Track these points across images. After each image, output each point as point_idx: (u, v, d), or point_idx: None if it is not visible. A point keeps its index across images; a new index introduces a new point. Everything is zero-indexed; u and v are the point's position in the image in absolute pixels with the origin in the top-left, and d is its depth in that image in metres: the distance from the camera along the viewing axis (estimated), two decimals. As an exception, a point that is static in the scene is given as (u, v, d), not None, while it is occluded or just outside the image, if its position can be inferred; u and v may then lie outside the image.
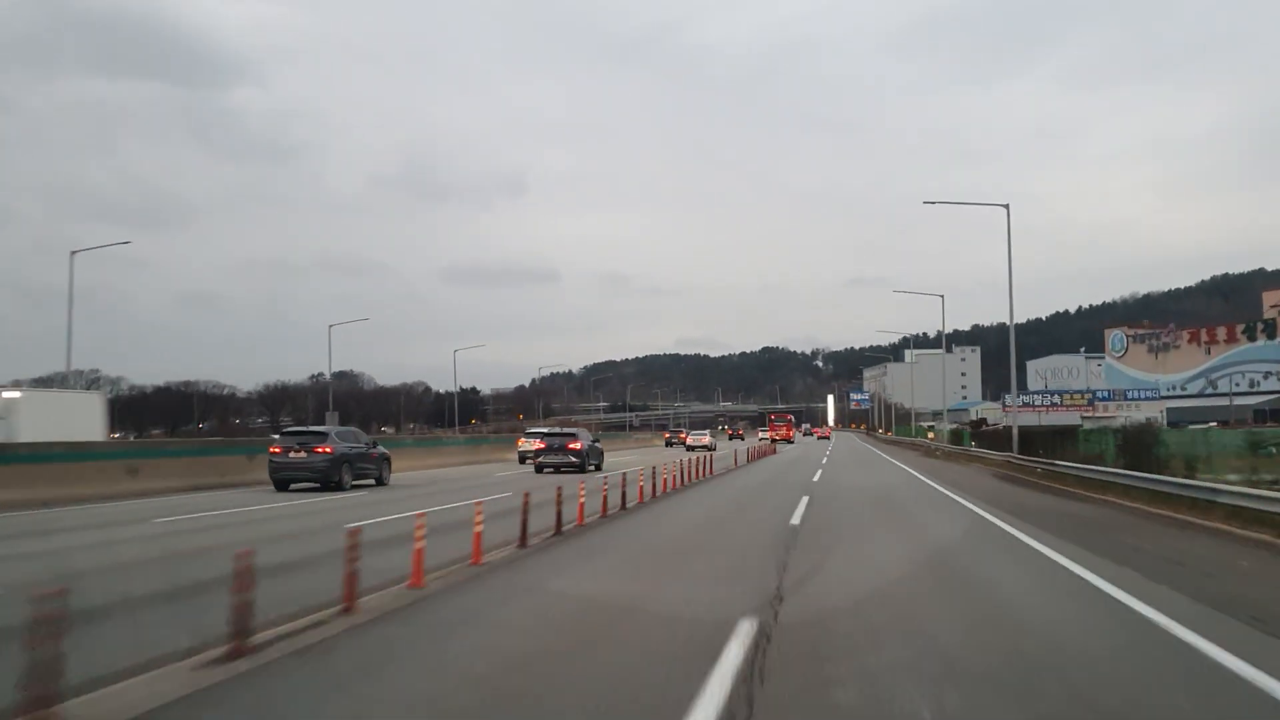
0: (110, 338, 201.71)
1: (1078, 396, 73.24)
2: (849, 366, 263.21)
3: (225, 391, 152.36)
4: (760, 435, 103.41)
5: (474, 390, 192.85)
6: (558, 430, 37.91)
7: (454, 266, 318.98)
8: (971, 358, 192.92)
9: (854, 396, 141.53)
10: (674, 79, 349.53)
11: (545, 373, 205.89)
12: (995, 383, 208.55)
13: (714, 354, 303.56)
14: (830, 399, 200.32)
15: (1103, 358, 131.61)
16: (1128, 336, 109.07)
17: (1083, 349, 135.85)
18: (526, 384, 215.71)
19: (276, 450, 23.94)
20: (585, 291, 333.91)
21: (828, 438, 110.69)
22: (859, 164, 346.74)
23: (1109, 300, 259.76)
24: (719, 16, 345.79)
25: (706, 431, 74.71)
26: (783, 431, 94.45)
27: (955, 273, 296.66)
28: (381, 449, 27.35)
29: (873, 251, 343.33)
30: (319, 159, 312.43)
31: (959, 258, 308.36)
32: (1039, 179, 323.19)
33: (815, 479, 26.54)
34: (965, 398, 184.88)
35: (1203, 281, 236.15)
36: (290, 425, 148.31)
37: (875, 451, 56.55)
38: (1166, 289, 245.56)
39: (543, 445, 33.31)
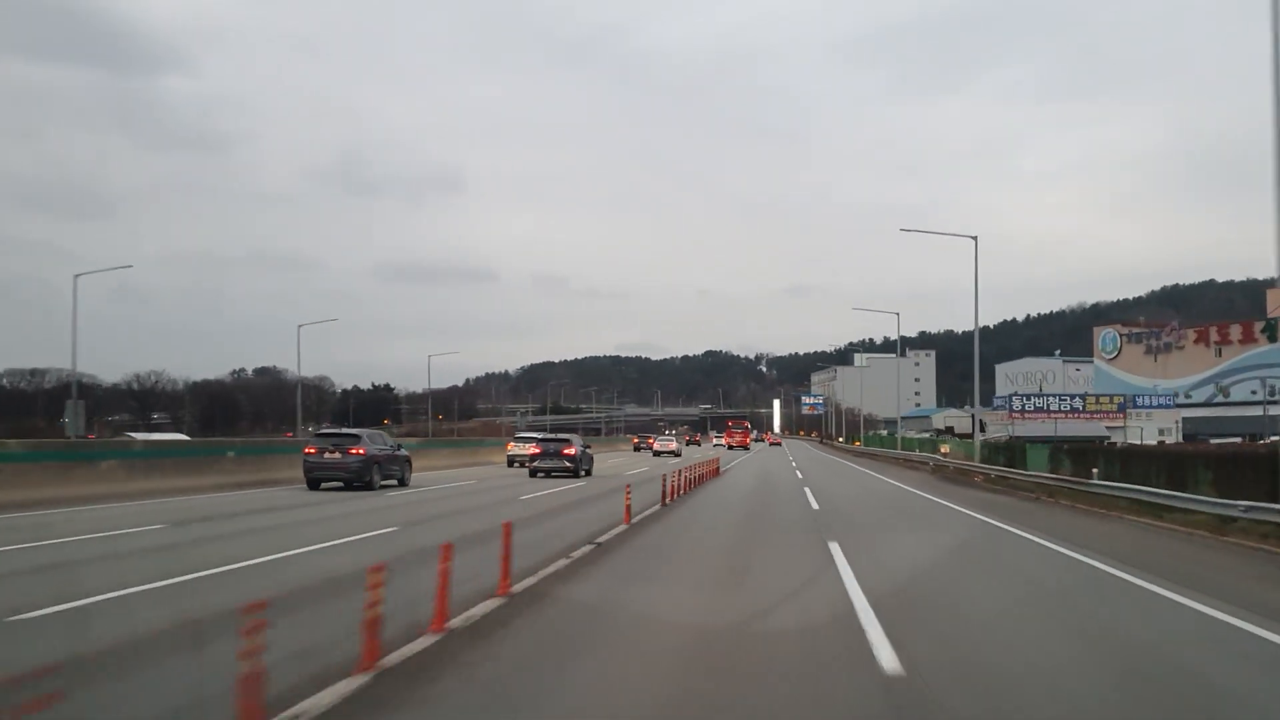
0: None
1: (1104, 400, 56.32)
2: (794, 372, 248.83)
3: (85, 380, 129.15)
4: (715, 441, 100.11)
5: (387, 388, 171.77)
6: (552, 436, 36.98)
7: (390, 263, 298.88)
8: (926, 363, 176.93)
9: (807, 400, 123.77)
10: (617, 82, 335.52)
11: (441, 360, 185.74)
12: (951, 389, 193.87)
13: (655, 357, 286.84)
14: (776, 404, 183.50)
15: (1083, 361, 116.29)
16: (1121, 336, 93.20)
17: (1058, 351, 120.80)
18: (460, 384, 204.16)
19: (311, 451, 24.23)
20: (524, 293, 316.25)
21: (779, 445, 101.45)
22: (801, 173, 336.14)
23: (1057, 309, 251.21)
24: (664, 22, 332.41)
25: (673, 438, 71.25)
26: (739, 438, 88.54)
27: (895, 282, 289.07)
28: (404, 451, 27.32)
29: (814, 260, 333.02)
30: (250, 150, 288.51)
31: (899, 268, 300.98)
32: (981, 191, 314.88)
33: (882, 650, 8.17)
34: (919, 404, 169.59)
35: (1153, 292, 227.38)
36: (165, 422, 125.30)
37: (871, 474, 38.54)
38: (1115, 299, 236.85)
39: (538, 450, 32.77)
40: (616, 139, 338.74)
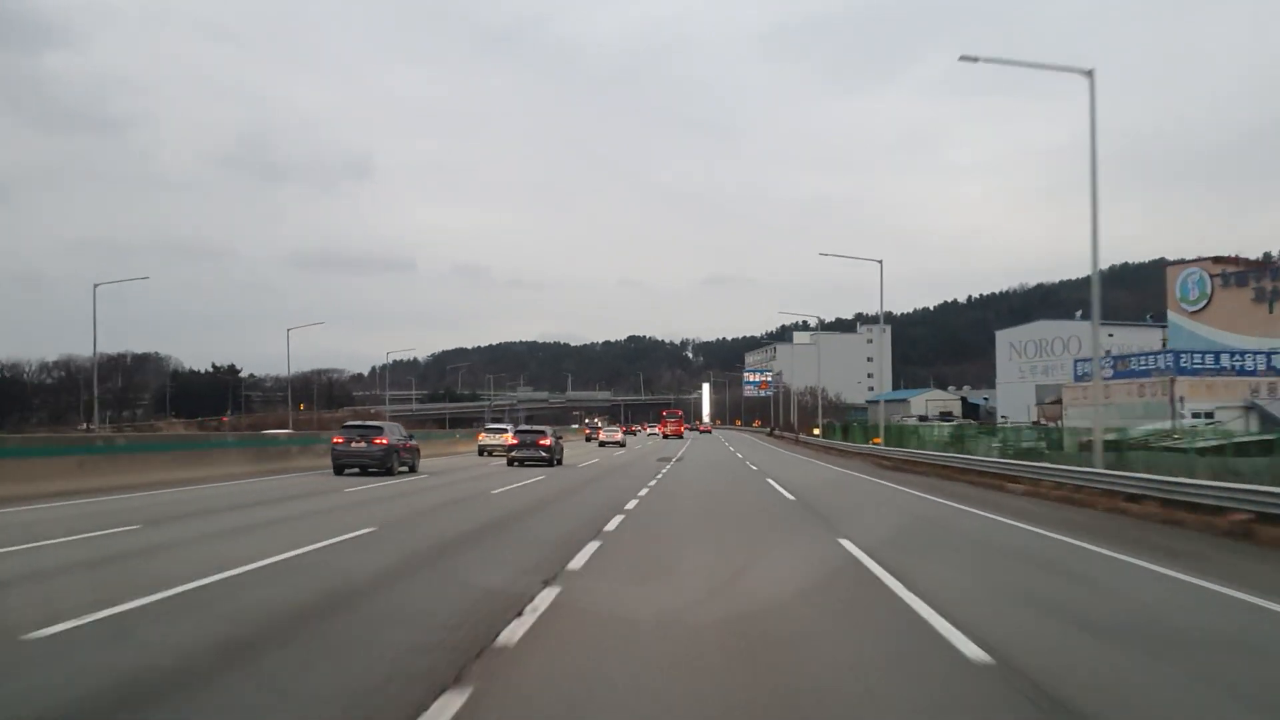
0: None
1: None
2: (723, 357, 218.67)
3: None
4: (649, 430, 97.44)
5: (231, 370, 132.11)
6: (529, 428, 36.30)
7: (303, 251, 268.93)
8: (881, 338, 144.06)
9: (751, 379, 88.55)
10: (541, 72, 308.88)
11: (387, 361, 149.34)
12: (902, 372, 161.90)
13: (575, 343, 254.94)
14: (706, 388, 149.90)
15: (1118, 325, 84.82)
16: (1212, 278, 61.16)
17: (1079, 313, 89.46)
18: (365, 372, 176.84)
19: (339, 440, 25.01)
20: (444, 282, 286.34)
21: (709, 432, 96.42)
22: (727, 164, 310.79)
23: (999, 290, 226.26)
24: (589, 12, 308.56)
25: (617, 429, 68.74)
26: (674, 427, 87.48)
27: (822, 273, 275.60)
28: (415, 441, 28.00)
29: (739, 251, 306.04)
30: (150, 134, 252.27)
31: (825, 261, 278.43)
32: (906, 183, 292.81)
33: None
34: (873, 388, 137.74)
35: (1100, 271, 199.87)
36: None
37: None
38: (1059, 280, 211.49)
39: (515, 441, 33.04)
40: (539, 129, 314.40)
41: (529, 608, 6.63)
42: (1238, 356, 49.42)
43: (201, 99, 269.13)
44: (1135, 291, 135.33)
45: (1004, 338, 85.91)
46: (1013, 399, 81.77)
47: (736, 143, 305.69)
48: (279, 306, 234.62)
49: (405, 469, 25.67)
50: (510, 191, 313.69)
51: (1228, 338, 58.63)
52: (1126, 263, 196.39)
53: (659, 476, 25.04)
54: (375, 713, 4.31)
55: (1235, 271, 60.94)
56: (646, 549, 10.48)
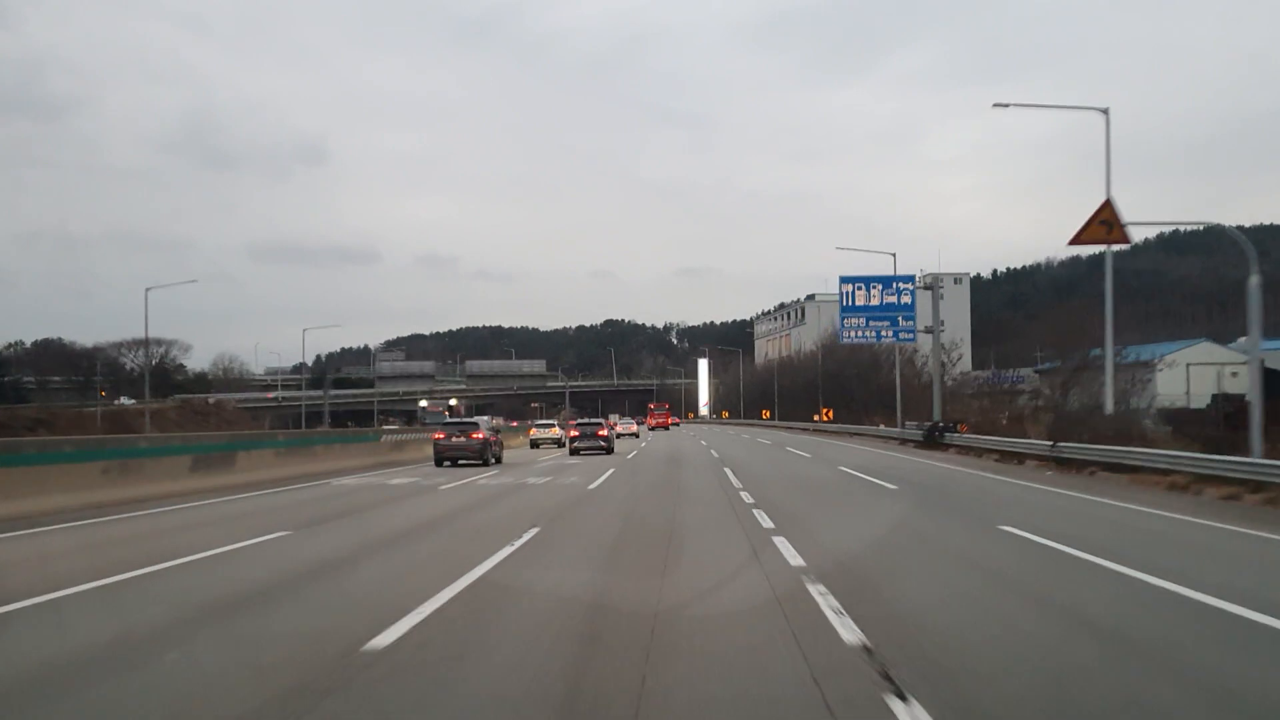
0: None
1: None
2: (711, 343, 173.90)
3: None
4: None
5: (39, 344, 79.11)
6: (589, 421, 37.65)
7: (264, 243, 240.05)
8: (957, 291, 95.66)
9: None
10: (514, 61, 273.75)
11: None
12: (992, 331, 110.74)
13: (545, 327, 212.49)
14: (703, 366, 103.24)
15: None
16: None
17: None
18: (310, 361, 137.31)
19: (441, 435, 26.53)
20: (409, 273, 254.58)
21: (677, 424, 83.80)
22: (702, 156, 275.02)
23: (1027, 265, 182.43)
24: (564, 2, 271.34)
25: (634, 420, 66.02)
26: (660, 419, 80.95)
27: (807, 264, 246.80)
28: (500, 435, 29.56)
29: (718, 244, 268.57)
30: (92, 118, 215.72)
31: (807, 252, 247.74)
32: (886, 176, 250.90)
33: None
34: (961, 355, 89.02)
35: (1148, 241, 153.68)
36: None
37: None
38: (1097, 251, 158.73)
39: (577, 433, 34.13)
40: (510, 119, 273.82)
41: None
42: None
43: (148, 81, 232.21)
44: (1204, 258, 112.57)
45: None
46: None
47: (713, 134, 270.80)
48: (234, 296, 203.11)
49: (493, 460, 26.73)
50: (479, 182, 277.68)
51: None
52: (1177, 230, 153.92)
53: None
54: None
55: None
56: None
